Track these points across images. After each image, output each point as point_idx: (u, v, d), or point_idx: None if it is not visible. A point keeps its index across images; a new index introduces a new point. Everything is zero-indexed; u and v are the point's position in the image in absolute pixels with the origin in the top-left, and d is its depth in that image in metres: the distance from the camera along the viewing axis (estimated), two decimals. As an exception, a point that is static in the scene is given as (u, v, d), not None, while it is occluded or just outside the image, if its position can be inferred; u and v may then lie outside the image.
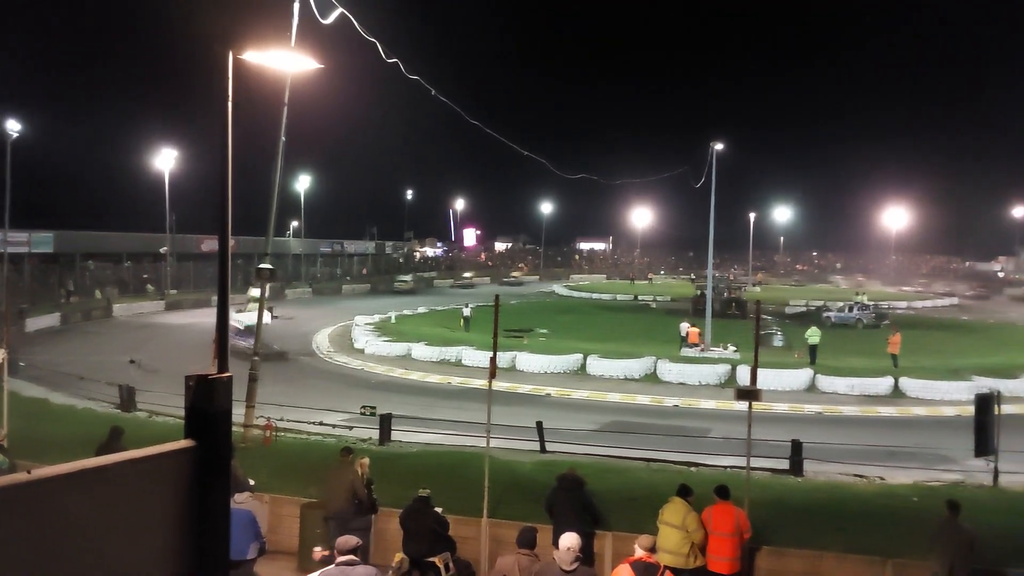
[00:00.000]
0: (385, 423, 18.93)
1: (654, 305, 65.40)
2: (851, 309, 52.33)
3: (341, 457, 11.94)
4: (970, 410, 17.04)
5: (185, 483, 2.45)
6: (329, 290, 72.91)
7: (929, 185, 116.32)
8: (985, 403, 15.63)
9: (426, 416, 21.10)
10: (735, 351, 34.95)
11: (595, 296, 73.84)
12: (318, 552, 9.44)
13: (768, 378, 26.81)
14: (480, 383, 27.51)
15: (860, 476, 16.62)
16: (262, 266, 19.27)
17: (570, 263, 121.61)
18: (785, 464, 16.85)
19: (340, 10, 16.14)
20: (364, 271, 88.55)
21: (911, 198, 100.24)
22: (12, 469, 11.69)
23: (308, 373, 31.71)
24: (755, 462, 13.25)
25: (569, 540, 7.44)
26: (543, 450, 18.17)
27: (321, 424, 20.25)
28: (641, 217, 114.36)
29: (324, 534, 10.97)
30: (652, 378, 30.69)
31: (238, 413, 16.27)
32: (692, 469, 16.56)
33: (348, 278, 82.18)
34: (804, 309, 60.05)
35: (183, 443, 2.51)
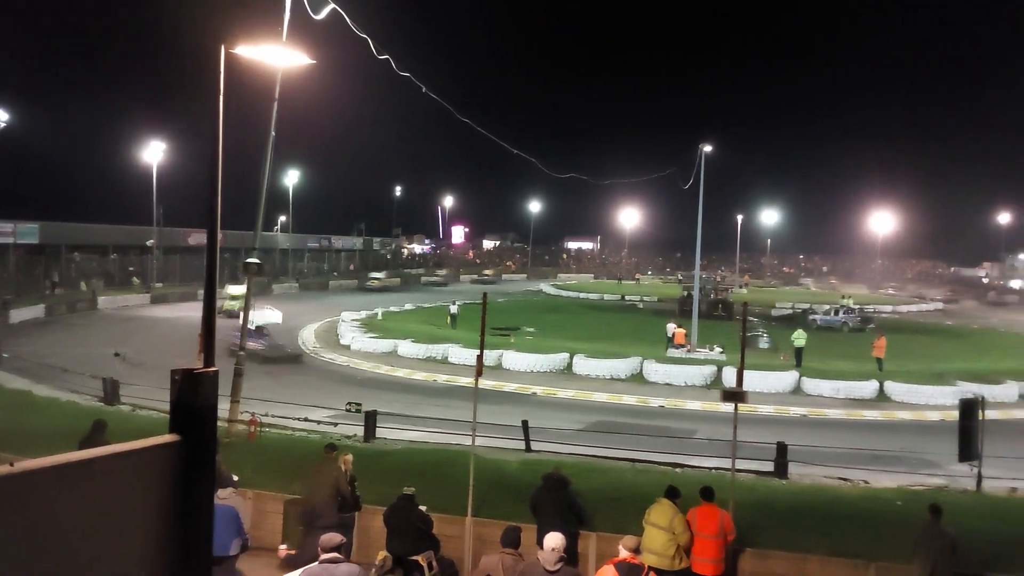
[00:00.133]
0: (370, 420, 18.88)
1: (641, 305, 65.53)
2: (837, 312, 52.61)
3: (325, 454, 11.90)
4: (954, 415, 17.12)
5: (169, 478, 2.42)
6: (316, 285, 72.74)
7: (916, 190, 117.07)
8: (969, 408, 15.71)
9: (412, 414, 21.04)
10: (721, 352, 35.07)
11: (582, 295, 73.95)
12: (283, 550, 9.38)
13: (754, 380, 26.91)
14: (466, 381, 27.46)
15: (844, 479, 16.67)
16: (249, 260, 19.17)
17: (558, 262, 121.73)
18: (770, 466, 16.89)
19: (332, 6, 16.09)
20: (351, 267, 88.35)
21: (898, 203, 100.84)
22: (-6, 461, 11.58)
23: (293, 368, 31.62)
24: (740, 464, 13.29)
25: (553, 540, 7.44)
26: (528, 449, 18.15)
27: (306, 420, 20.18)
28: (629, 217, 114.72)
29: (302, 531, 10.91)
30: (638, 378, 30.74)
31: (223, 408, 16.22)
32: (677, 470, 16.57)
33: (335, 274, 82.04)
34: (790, 311, 60.31)
35: (168, 437, 2.48)
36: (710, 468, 16.66)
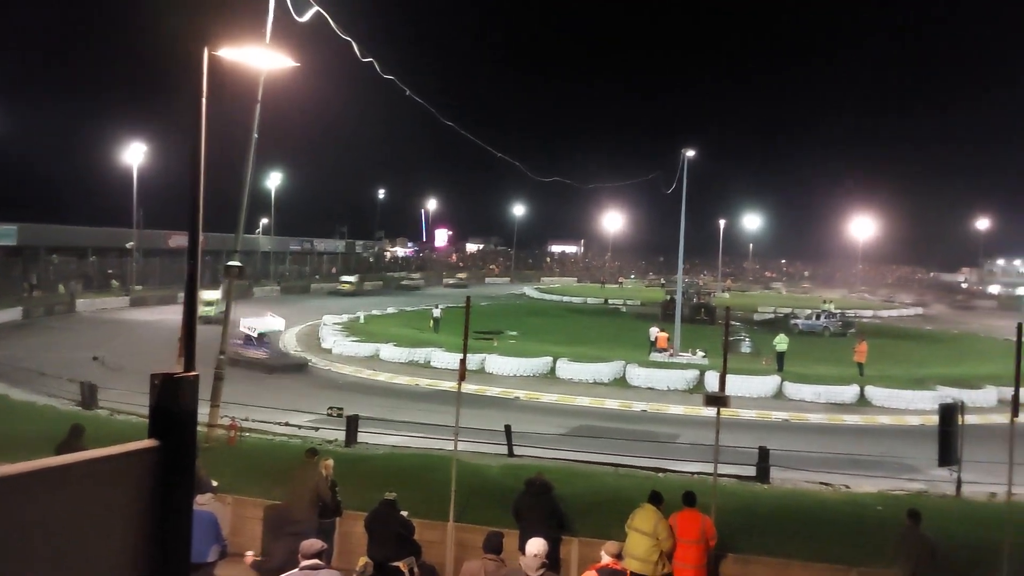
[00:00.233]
0: (352, 424, 18.78)
1: (624, 309, 65.66)
2: (818, 317, 52.95)
3: (306, 458, 11.81)
4: (934, 420, 17.24)
5: (148, 484, 2.39)
6: (298, 289, 72.46)
7: (897, 196, 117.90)
8: (949, 413, 15.80)
9: (394, 418, 20.98)
10: (704, 357, 35.20)
11: (566, 299, 74.04)
12: (249, 556, 9.30)
13: (736, 384, 26.97)
14: (449, 385, 27.42)
15: (826, 484, 16.73)
16: (231, 263, 19.04)
17: (541, 266, 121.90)
18: (752, 471, 16.94)
19: (316, 8, 16.02)
20: (333, 270, 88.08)
21: (879, 208, 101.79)
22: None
23: (277, 373, 31.44)
24: (722, 468, 13.32)
25: (536, 546, 7.42)
26: (511, 454, 18.13)
27: (287, 425, 20.05)
28: (612, 221, 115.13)
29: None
30: (621, 382, 30.78)
31: (202, 412, 16.11)
32: (660, 475, 16.57)
33: (317, 277, 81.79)
34: (772, 316, 60.60)
35: (147, 443, 2.44)
36: (692, 473, 16.69)
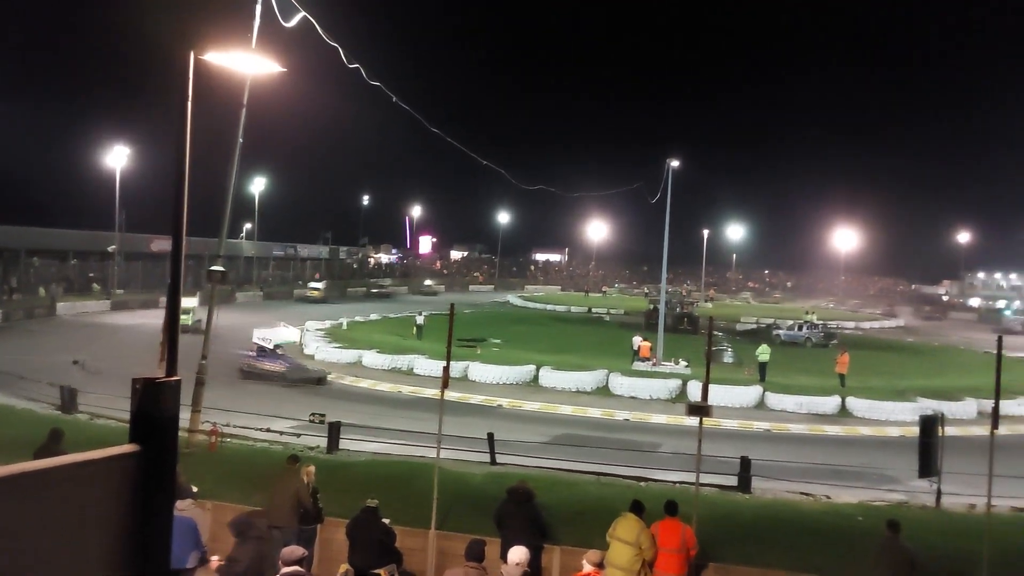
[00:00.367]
0: (334, 431, 18.71)
1: (607, 318, 65.79)
2: (800, 328, 53.19)
3: (287, 465, 11.77)
4: (914, 431, 17.33)
5: (128, 489, 2.37)
6: (280, 294, 72.14)
7: (879, 209, 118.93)
8: (929, 425, 15.89)
9: (376, 425, 20.90)
10: (686, 366, 35.29)
11: (549, 307, 74.10)
12: (215, 561, 9.24)
13: (718, 394, 27.04)
14: (432, 392, 27.37)
15: (807, 494, 16.79)
16: (213, 268, 18.95)
17: (525, 274, 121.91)
18: (733, 481, 16.97)
19: (302, 14, 16.00)
20: (317, 276, 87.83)
21: (862, 221, 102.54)
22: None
23: (257, 378, 31.26)
24: (704, 478, 13.33)
25: (517, 555, 7.42)
26: (493, 462, 18.09)
27: (268, 431, 19.96)
28: (597, 230, 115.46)
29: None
30: (604, 391, 30.81)
31: (183, 417, 15.98)
32: (642, 484, 16.58)
33: (300, 282, 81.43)
34: (755, 326, 60.87)
35: (127, 447, 2.42)
36: (674, 482, 16.70)
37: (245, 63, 15.92)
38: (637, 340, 38.22)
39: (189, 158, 3.54)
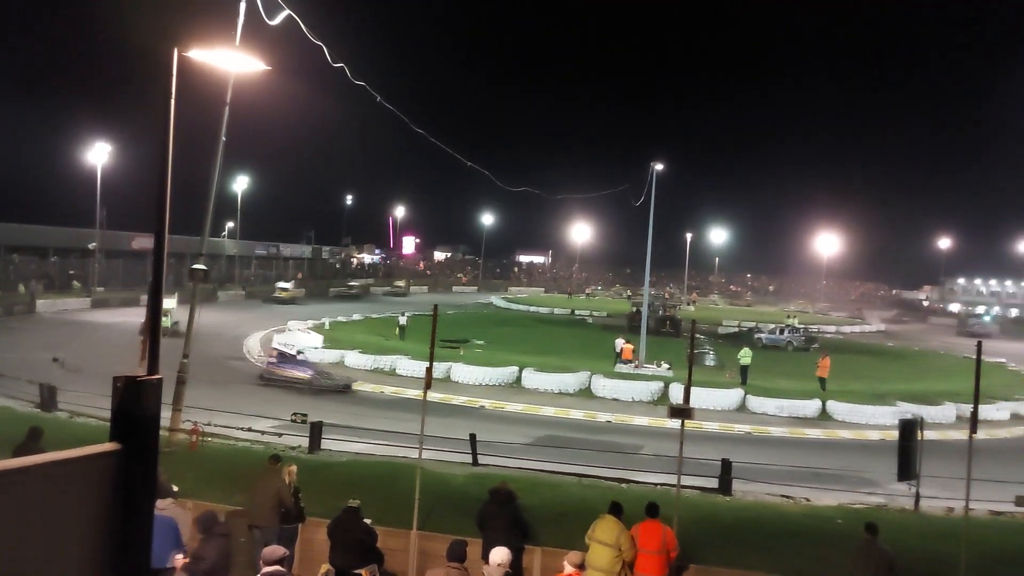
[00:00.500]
0: (315, 431, 18.66)
1: (590, 320, 65.89)
2: (782, 331, 53.42)
3: (269, 464, 11.73)
4: (894, 435, 17.47)
5: (109, 487, 2.36)
6: (263, 293, 71.78)
7: (861, 215, 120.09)
8: (908, 429, 16.01)
9: (358, 425, 20.85)
10: (668, 369, 35.40)
11: (533, 309, 74.13)
12: (179, 560, 9.17)
13: (700, 397, 27.16)
14: (414, 393, 27.36)
15: (787, 497, 16.89)
16: (195, 266, 18.84)
17: (509, 275, 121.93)
18: (714, 483, 17.05)
19: (287, 12, 15.95)
20: (299, 275, 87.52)
21: (844, 226, 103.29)
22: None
23: (238, 377, 31.10)
24: (685, 480, 13.38)
25: (499, 555, 7.42)
26: (475, 463, 18.09)
27: (250, 430, 19.88)
28: (580, 232, 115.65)
29: (248, 543, 10.74)
30: (586, 393, 30.84)
31: (164, 416, 15.89)
32: (623, 485, 16.63)
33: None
34: (736, 329, 61.12)
35: (108, 446, 2.41)
36: (656, 484, 16.76)
37: (229, 61, 15.86)
38: (620, 342, 38.29)
39: (172, 155, 3.53)
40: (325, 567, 10.07)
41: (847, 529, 12.98)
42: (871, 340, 64.21)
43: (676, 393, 29.17)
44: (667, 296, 79.44)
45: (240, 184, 79.69)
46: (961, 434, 23.86)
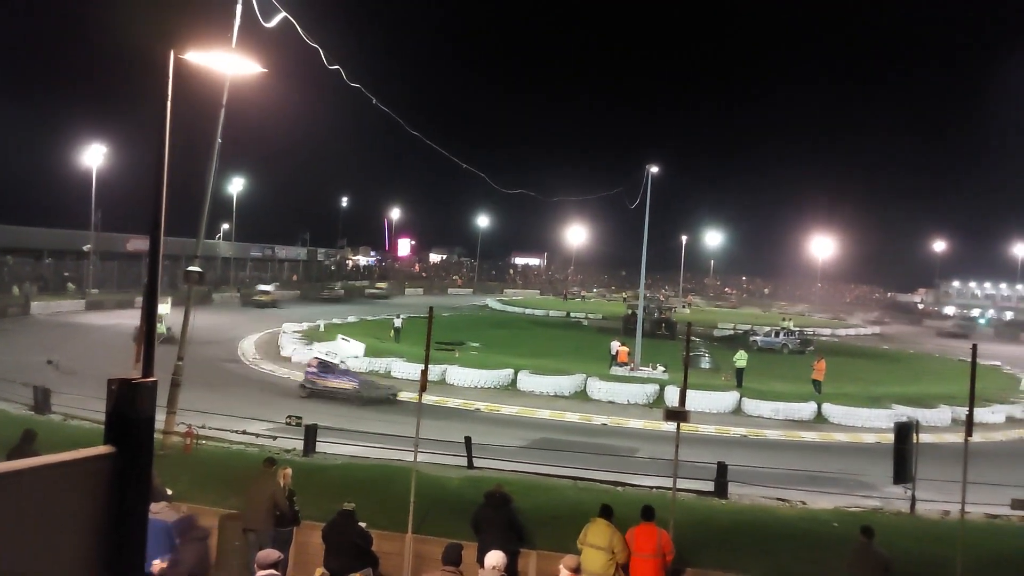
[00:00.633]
0: (310, 434, 18.62)
1: (586, 323, 65.90)
2: (777, 334, 53.47)
3: (263, 468, 11.70)
4: (889, 438, 17.50)
5: (103, 490, 2.34)
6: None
7: (856, 217, 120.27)
8: (904, 432, 16.02)
9: (353, 428, 20.83)
10: (664, 371, 35.42)
11: (528, 311, 74.11)
12: (156, 564, 9.13)
13: (695, 399, 27.13)
14: (409, 395, 27.31)
15: (783, 500, 16.88)
16: (191, 269, 18.81)
17: (504, 277, 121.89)
18: (710, 486, 17.04)
19: (283, 14, 15.95)
20: (294, 277, 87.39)
21: (839, 229, 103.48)
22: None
23: (232, 380, 31.07)
24: (681, 483, 13.38)
25: (494, 559, 7.40)
26: (471, 466, 18.07)
27: (244, 433, 19.83)
28: (576, 235, 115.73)
29: (243, 547, 10.72)
30: (582, 395, 30.84)
31: (158, 419, 15.84)
32: (619, 489, 16.62)
33: (278, 284, 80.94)
34: (732, 332, 61.19)
35: (102, 449, 2.40)
36: (651, 487, 16.76)
37: (225, 63, 15.85)
38: (615, 345, 38.30)
39: (168, 157, 3.51)
40: (320, 571, 10.04)
41: (843, 532, 12.99)
42: (866, 343, 64.31)
43: (671, 396, 29.15)
44: (662, 299, 79.50)
45: (235, 186, 79.49)
46: (956, 437, 24.00)
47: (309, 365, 29.50)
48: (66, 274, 59.60)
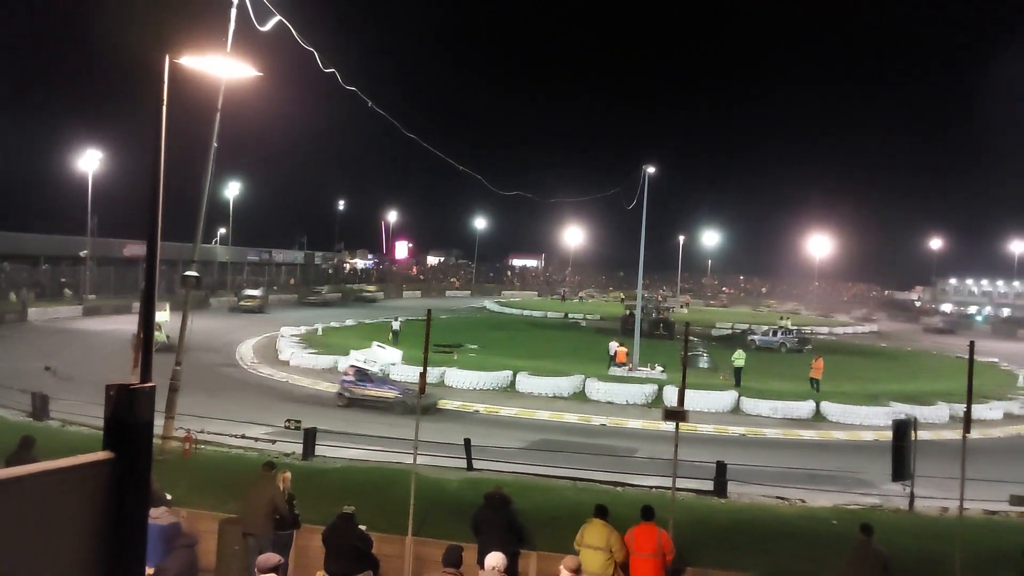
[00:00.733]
0: (309, 437, 18.60)
1: (584, 323, 65.90)
2: (775, 333, 53.48)
3: (263, 472, 11.69)
4: (888, 435, 17.50)
5: (103, 496, 2.35)
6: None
7: (853, 216, 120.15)
8: (902, 429, 16.04)
9: (352, 431, 20.82)
10: (662, 371, 35.43)
11: (526, 313, 74.09)
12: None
13: (694, 399, 27.12)
14: (451, 404, 27.39)
15: (782, 498, 16.90)
16: (188, 273, 18.79)
17: (502, 279, 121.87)
18: (709, 485, 17.05)
19: (278, 18, 15.95)
20: (292, 281, 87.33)
21: (836, 227, 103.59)
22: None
23: (231, 384, 31.05)
24: (680, 482, 13.39)
25: (494, 560, 7.41)
26: (470, 468, 18.07)
27: (243, 437, 19.82)
28: (573, 236, 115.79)
29: (243, 551, 10.71)
30: (580, 396, 30.84)
31: (157, 424, 15.83)
32: (618, 489, 16.63)
33: (275, 288, 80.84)
34: (730, 332, 61.21)
35: (101, 454, 2.40)
36: (651, 487, 16.77)
37: (220, 67, 15.84)
38: (613, 345, 38.30)
39: (164, 162, 3.51)
40: (320, 574, 10.05)
41: (842, 530, 13.01)
42: (863, 341, 64.38)
43: (670, 396, 29.11)
44: (660, 299, 79.53)
45: (232, 190, 79.41)
46: (954, 434, 24.05)
47: (345, 373, 28.86)
48: (63, 280, 59.52)
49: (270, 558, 7.54)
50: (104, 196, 57.24)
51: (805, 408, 29.04)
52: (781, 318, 67.31)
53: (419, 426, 12.41)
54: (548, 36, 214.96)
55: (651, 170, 38.21)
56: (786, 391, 31.42)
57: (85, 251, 58.02)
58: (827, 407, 29.01)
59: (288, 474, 11.69)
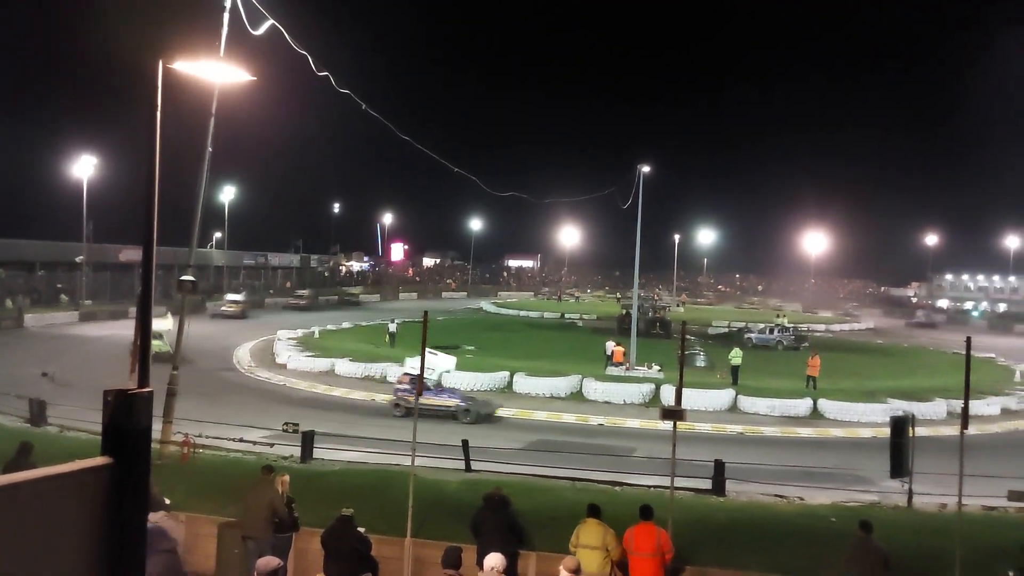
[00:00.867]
0: (307, 440, 18.59)
1: (580, 323, 65.89)
2: (771, 331, 53.53)
3: (262, 475, 11.68)
4: (885, 432, 17.52)
5: (101, 502, 2.34)
6: (251, 303, 71.51)
7: (849, 212, 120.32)
8: (900, 426, 16.05)
9: (350, 433, 20.80)
10: (659, 371, 35.45)
11: (522, 313, 74.09)
12: None
13: (691, 398, 27.13)
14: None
15: (780, 496, 16.92)
16: (184, 278, 18.76)
17: (498, 280, 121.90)
18: (708, 484, 17.07)
19: (271, 22, 15.93)
20: (288, 284, 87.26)
21: (832, 224, 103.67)
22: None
23: (228, 388, 31.02)
24: (678, 481, 13.39)
25: (493, 560, 7.41)
26: (468, 469, 18.07)
27: (241, 441, 19.78)
28: (569, 236, 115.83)
29: (242, 554, 10.70)
30: (578, 396, 30.85)
31: (155, 429, 15.81)
32: (617, 488, 16.64)
33: (271, 291, 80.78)
34: (726, 330, 61.27)
35: (99, 460, 2.40)
36: (649, 486, 16.78)
37: (214, 72, 15.81)
38: (610, 345, 38.34)
39: (159, 167, 3.52)
40: (320, 577, 10.04)
41: (841, 527, 13.02)
42: (860, 338, 64.47)
43: (667, 395, 29.19)
44: (656, 298, 79.55)
45: (227, 194, 79.37)
46: (952, 430, 24.07)
47: (399, 382, 27.88)
48: (59, 286, 59.48)
49: (269, 561, 7.53)
50: (99, 201, 57.26)
51: (803, 406, 29.07)
52: (777, 316, 67.37)
53: (416, 427, 12.40)
54: (543, 36, 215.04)
55: (646, 169, 38.30)
56: (783, 389, 31.46)
57: (81, 257, 57.93)
58: (824, 404, 29.04)
59: (287, 477, 11.68)
